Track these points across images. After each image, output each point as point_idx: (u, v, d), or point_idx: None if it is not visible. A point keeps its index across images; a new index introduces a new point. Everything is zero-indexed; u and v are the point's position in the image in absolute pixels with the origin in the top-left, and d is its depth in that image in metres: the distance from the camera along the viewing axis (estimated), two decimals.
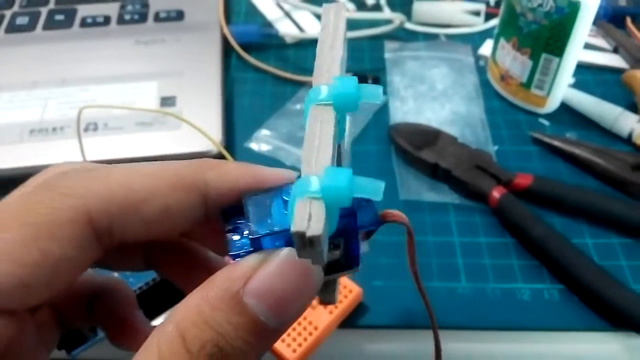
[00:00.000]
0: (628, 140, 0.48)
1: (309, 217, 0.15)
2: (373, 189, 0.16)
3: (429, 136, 0.46)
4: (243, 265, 0.17)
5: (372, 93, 0.18)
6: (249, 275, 0.17)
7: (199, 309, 0.16)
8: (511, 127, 0.49)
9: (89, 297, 0.24)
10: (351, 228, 0.18)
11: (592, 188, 0.44)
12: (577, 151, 0.46)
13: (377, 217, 0.19)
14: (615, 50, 0.57)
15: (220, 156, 0.44)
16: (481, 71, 0.55)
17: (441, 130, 0.47)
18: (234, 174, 0.20)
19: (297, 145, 0.48)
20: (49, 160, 0.44)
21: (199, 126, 0.44)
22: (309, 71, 0.55)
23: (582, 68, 0.55)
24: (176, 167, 0.20)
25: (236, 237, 0.18)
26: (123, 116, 0.46)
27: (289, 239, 0.17)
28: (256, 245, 0.18)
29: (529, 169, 0.45)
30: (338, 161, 0.19)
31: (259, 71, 0.55)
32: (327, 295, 0.22)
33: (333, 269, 0.19)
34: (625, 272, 0.39)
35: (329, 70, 0.18)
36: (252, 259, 0.17)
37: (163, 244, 0.24)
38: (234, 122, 0.50)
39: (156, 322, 0.36)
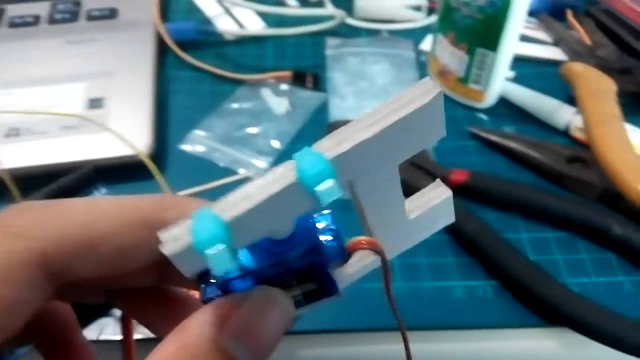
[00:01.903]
0: (565, 133, 0.48)
1: (173, 240, 0.15)
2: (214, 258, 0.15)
3: None
4: (216, 309, 0.17)
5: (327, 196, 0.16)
6: (224, 317, 0.17)
7: (178, 357, 0.16)
8: (450, 123, 0.49)
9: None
10: (317, 262, 0.19)
11: (529, 182, 0.44)
12: (513, 145, 0.45)
13: (342, 250, 0.19)
14: (556, 44, 0.57)
15: (143, 163, 0.42)
16: (422, 66, 0.54)
17: None
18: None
19: (233, 146, 0.46)
20: None
21: (126, 129, 0.42)
22: (249, 69, 0.54)
23: (523, 61, 0.55)
24: (137, 204, 0.20)
25: (206, 284, 0.19)
26: (46, 120, 0.44)
27: (257, 279, 0.18)
28: (226, 287, 0.18)
29: (466, 165, 0.44)
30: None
31: (196, 69, 0.53)
32: None
33: (312, 297, 0.20)
34: (560, 266, 0.39)
35: (336, 146, 0.16)
36: (224, 302, 0.17)
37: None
38: (168, 123, 0.49)
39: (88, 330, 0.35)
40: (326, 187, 0.15)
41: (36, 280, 0.17)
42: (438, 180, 0.21)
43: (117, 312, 0.36)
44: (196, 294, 0.25)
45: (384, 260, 0.20)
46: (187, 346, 0.16)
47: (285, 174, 0.15)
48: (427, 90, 0.16)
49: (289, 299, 0.19)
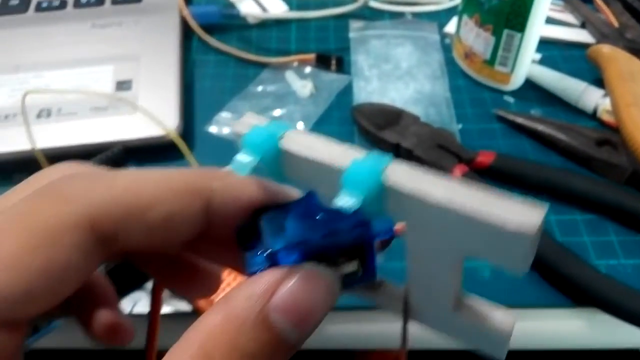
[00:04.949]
0: (593, 116, 0.47)
1: (242, 125, 0.17)
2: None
3: (392, 116, 0.46)
4: (264, 281, 0.17)
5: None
6: (272, 291, 0.17)
7: (224, 329, 0.16)
8: (476, 106, 0.49)
9: None
10: (366, 237, 0.18)
11: (556, 165, 0.44)
12: (540, 128, 0.45)
13: (391, 226, 0.19)
14: (583, 26, 0.56)
15: (173, 143, 0.42)
16: (447, 49, 0.54)
17: (404, 110, 0.46)
18: (239, 186, 0.20)
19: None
20: (0, 149, 0.42)
21: (154, 111, 0.43)
22: (272, 52, 0.54)
23: (549, 44, 0.54)
24: (182, 174, 0.20)
25: (252, 255, 0.18)
26: (77, 101, 0.45)
27: (304, 252, 0.18)
28: (273, 261, 0.18)
29: (493, 147, 0.44)
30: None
31: (220, 53, 0.54)
32: None
33: (351, 281, 0.19)
34: (588, 248, 0.39)
35: (405, 180, 0.15)
36: (272, 274, 0.17)
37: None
38: (194, 106, 0.49)
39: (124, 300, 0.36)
40: (346, 201, 0.15)
41: (86, 246, 0.17)
42: (510, 312, 0.19)
43: (150, 286, 0.37)
44: (225, 270, 0.25)
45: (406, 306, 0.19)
46: (233, 318, 0.16)
47: (345, 156, 0.15)
48: (521, 216, 0.13)
49: (336, 277, 0.19)
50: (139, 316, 0.36)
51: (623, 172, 0.42)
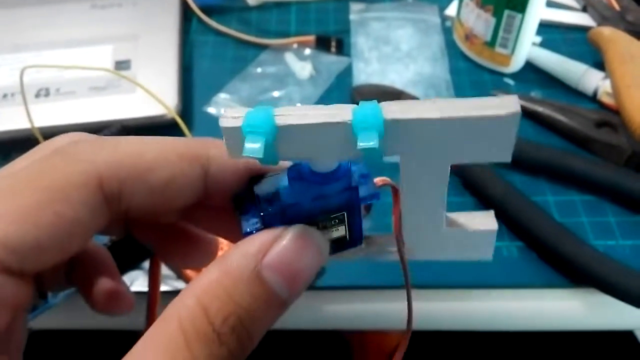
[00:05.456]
0: (593, 98, 0.47)
1: (232, 117, 0.16)
2: None
3: (392, 98, 0.45)
4: (258, 241, 0.18)
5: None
6: (265, 250, 0.17)
7: (221, 283, 0.17)
8: (476, 88, 0.49)
9: (67, 262, 0.24)
10: (353, 201, 0.19)
11: (556, 146, 0.44)
12: (540, 109, 0.45)
13: (375, 189, 0.20)
14: (584, 9, 0.56)
15: (173, 121, 0.42)
16: (447, 32, 0.54)
17: (404, 91, 0.46)
18: None
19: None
20: None
21: (153, 90, 0.42)
22: (272, 34, 0.54)
23: (550, 27, 0.54)
24: (181, 140, 0.21)
25: (247, 218, 0.19)
26: (76, 81, 0.45)
27: (295, 215, 0.18)
28: (267, 222, 0.19)
29: None
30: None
31: (220, 34, 0.53)
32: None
33: (338, 247, 0.20)
34: (586, 228, 0.39)
35: (400, 112, 0.16)
36: (265, 235, 0.18)
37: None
38: (192, 87, 0.49)
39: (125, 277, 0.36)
40: (368, 142, 0.15)
41: (94, 203, 0.18)
42: (492, 212, 0.21)
43: (147, 265, 0.37)
44: (219, 239, 0.25)
45: (395, 193, 0.20)
46: (229, 273, 0.17)
47: (342, 112, 0.16)
48: (506, 105, 0.15)
49: (325, 239, 0.19)
50: (140, 293, 0.36)
51: (622, 153, 0.42)
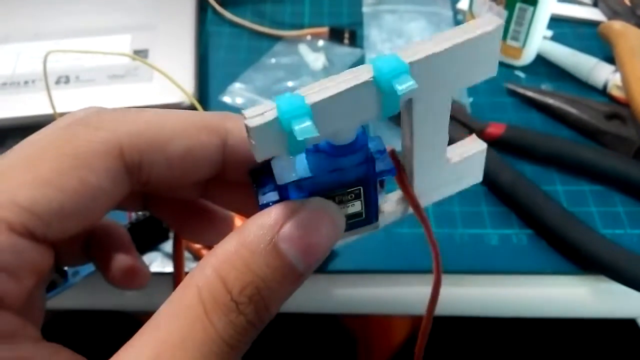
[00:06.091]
0: (603, 92, 0.48)
1: (258, 114, 0.16)
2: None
3: None
4: (275, 213, 0.18)
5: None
6: (281, 222, 0.17)
7: (238, 254, 0.17)
8: (486, 80, 0.48)
9: (86, 237, 0.24)
10: (370, 174, 0.19)
11: (566, 137, 0.44)
12: (550, 101, 0.45)
13: (392, 164, 0.20)
14: (595, 4, 0.56)
15: (192, 108, 0.43)
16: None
17: None
18: None
19: (271, 99, 0.47)
20: (20, 113, 0.44)
21: (171, 77, 0.43)
22: (286, 25, 0.54)
23: (561, 22, 0.54)
24: (200, 113, 0.21)
25: (264, 191, 0.19)
26: (95, 69, 0.46)
27: (312, 187, 0.19)
28: (283, 195, 0.19)
29: (503, 120, 0.45)
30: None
31: (235, 25, 0.54)
32: None
33: (353, 225, 0.21)
34: (595, 218, 0.40)
35: (412, 55, 0.17)
36: (282, 207, 0.18)
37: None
38: (208, 76, 0.50)
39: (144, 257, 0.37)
40: (407, 82, 0.16)
41: (115, 172, 0.18)
42: (474, 135, 0.22)
43: (165, 247, 0.38)
44: (234, 214, 0.26)
45: (397, 165, 0.20)
46: (247, 245, 0.17)
47: (360, 72, 0.16)
48: (490, 22, 0.17)
49: (341, 213, 0.19)
50: (158, 274, 0.37)
51: (631, 145, 0.42)
